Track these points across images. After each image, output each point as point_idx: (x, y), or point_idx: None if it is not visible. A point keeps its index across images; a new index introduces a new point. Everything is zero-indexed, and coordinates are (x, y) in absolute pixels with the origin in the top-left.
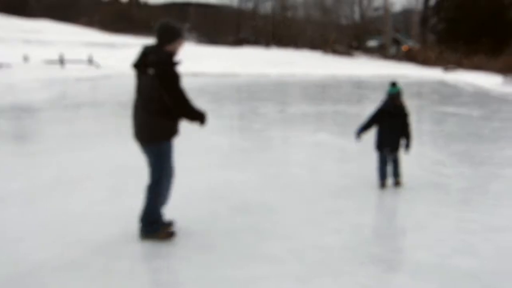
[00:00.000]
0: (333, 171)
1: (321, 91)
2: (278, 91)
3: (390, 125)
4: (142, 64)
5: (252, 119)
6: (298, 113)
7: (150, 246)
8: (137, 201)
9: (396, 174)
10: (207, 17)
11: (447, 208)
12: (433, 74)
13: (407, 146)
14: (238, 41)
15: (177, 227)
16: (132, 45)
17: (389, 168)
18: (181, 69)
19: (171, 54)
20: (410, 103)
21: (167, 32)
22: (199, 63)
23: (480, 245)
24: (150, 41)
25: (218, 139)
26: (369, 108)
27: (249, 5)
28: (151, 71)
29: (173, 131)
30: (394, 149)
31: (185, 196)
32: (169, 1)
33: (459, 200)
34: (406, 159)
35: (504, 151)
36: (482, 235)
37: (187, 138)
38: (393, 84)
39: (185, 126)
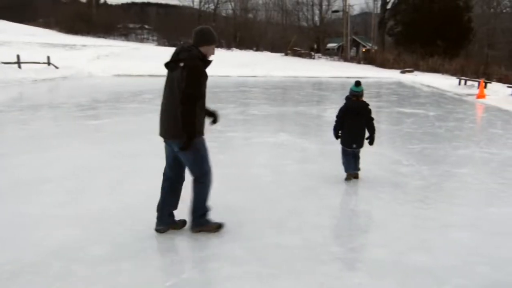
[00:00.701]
0: (294, 172)
1: (282, 92)
2: (240, 92)
3: (354, 122)
4: (175, 60)
5: None
6: (259, 114)
7: (110, 249)
8: (96, 203)
9: (357, 168)
10: (167, 18)
11: (404, 206)
12: (391, 75)
13: (371, 140)
14: None
15: (135, 230)
16: (92, 46)
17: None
18: (139, 70)
19: (204, 54)
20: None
21: (205, 35)
22: (159, 65)
23: (435, 242)
24: (110, 42)
25: None
26: (329, 109)
27: (211, 7)
28: (182, 63)
29: (203, 123)
30: (360, 145)
31: (144, 200)
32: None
33: (416, 198)
34: (366, 159)
35: (458, 150)
36: (437, 232)
37: (146, 140)
38: (357, 83)
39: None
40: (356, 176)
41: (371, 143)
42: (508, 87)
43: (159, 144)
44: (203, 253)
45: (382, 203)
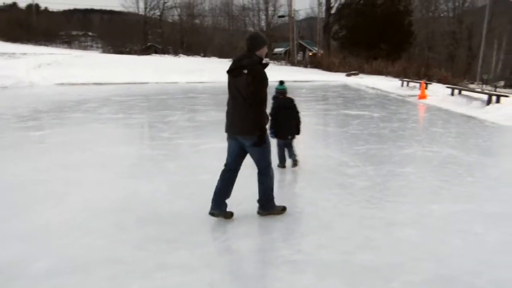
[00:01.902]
0: (242, 177)
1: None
2: (187, 98)
3: (286, 116)
4: (238, 67)
5: (161, 127)
6: (207, 120)
7: (54, 263)
8: (40, 216)
9: (293, 155)
10: (112, 25)
11: (351, 207)
12: (337, 78)
13: (298, 130)
14: (145, 49)
15: (81, 242)
16: (32, 54)
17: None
18: (83, 78)
19: (261, 58)
20: (317, 107)
21: (257, 41)
22: (104, 72)
23: (381, 240)
24: (52, 49)
25: (126, 149)
26: None
27: (156, 13)
28: (245, 70)
29: (267, 122)
30: (294, 135)
31: (89, 208)
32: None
33: (362, 198)
34: (314, 161)
35: (402, 149)
36: (383, 231)
37: (92, 149)
38: (281, 82)
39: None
40: (295, 162)
41: (298, 132)
42: (447, 87)
43: (104, 154)
44: (153, 262)
45: (329, 204)
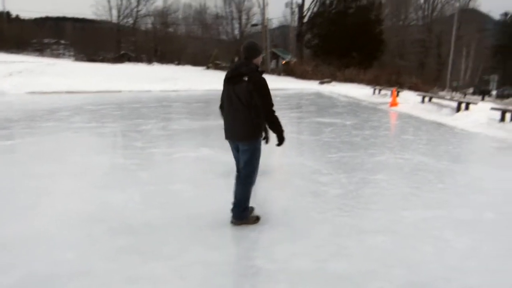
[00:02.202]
0: (216, 186)
1: (204, 106)
2: (161, 107)
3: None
4: (237, 75)
5: (134, 136)
6: (181, 129)
7: (20, 278)
8: (7, 228)
9: None
10: (85, 33)
11: (324, 214)
12: (310, 86)
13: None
14: (118, 58)
15: (51, 254)
16: (3, 62)
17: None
18: (55, 87)
19: (257, 66)
20: (291, 115)
21: (253, 50)
22: (76, 81)
23: (354, 248)
24: (23, 57)
25: (98, 158)
26: None
27: (130, 21)
28: (245, 78)
29: (262, 130)
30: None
31: (59, 219)
32: (43, 15)
33: (335, 206)
34: (287, 170)
35: (374, 157)
36: (355, 238)
37: (63, 158)
38: None
39: (58, 149)
40: None
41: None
42: (418, 95)
43: (76, 164)
44: (124, 275)
45: (302, 212)
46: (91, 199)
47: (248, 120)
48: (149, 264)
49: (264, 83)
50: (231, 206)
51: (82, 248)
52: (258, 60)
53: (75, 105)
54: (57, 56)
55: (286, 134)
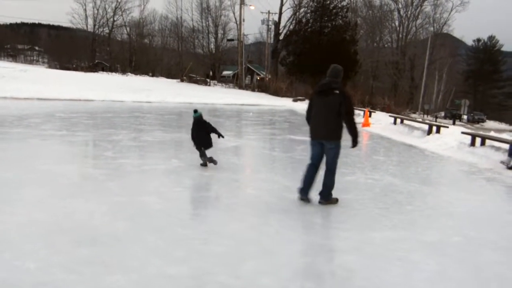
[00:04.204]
0: (184, 199)
1: (177, 118)
2: (133, 118)
3: (201, 133)
4: (328, 89)
5: (104, 146)
6: (152, 141)
7: None
8: None
9: (211, 160)
10: (60, 40)
11: (293, 232)
12: (284, 103)
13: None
14: (93, 67)
15: (11, 265)
16: None
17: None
18: (27, 93)
19: (343, 84)
20: (263, 131)
21: (339, 71)
22: (48, 87)
23: (322, 267)
24: None
25: (67, 167)
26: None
27: (105, 30)
28: (336, 91)
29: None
30: (207, 147)
31: (21, 228)
32: (18, 21)
33: (304, 224)
34: (258, 186)
35: (345, 176)
36: (324, 257)
37: (31, 166)
38: (195, 111)
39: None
40: (205, 164)
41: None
42: (390, 116)
43: (43, 172)
44: (86, 286)
45: (271, 229)
46: (56, 208)
47: (336, 124)
48: (112, 276)
49: (350, 96)
50: (197, 222)
51: (44, 258)
52: (340, 78)
53: (46, 112)
54: (31, 62)
55: (255, 150)
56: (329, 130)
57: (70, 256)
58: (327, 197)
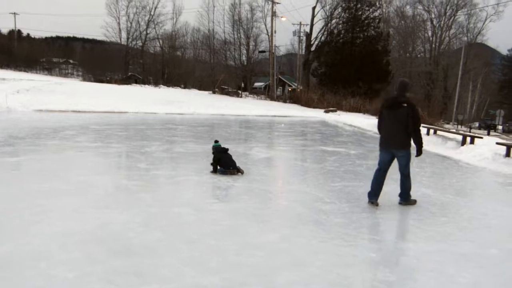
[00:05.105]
0: (217, 210)
1: (209, 130)
2: (166, 129)
3: (226, 156)
4: (397, 103)
5: (138, 158)
6: (185, 152)
7: None
8: (4, 246)
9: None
10: (93, 53)
11: (325, 244)
12: (316, 114)
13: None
14: (126, 79)
15: (47, 274)
16: (12, 80)
17: None
18: (62, 105)
19: (410, 97)
20: (295, 143)
21: (407, 85)
22: (83, 100)
23: (354, 279)
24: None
25: (101, 178)
26: (255, 147)
27: (138, 43)
28: (405, 105)
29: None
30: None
31: (59, 238)
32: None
33: (336, 235)
34: (290, 197)
35: None
36: (357, 269)
37: (66, 177)
38: (216, 141)
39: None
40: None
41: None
42: (423, 127)
43: (78, 183)
44: None
45: (304, 240)
46: (91, 219)
47: (406, 134)
48: (146, 286)
49: (417, 109)
50: (230, 233)
51: (80, 268)
52: (408, 92)
53: (80, 125)
54: (65, 75)
55: (286, 162)
56: (399, 140)
57: (105, 266)
58: (406, 199)
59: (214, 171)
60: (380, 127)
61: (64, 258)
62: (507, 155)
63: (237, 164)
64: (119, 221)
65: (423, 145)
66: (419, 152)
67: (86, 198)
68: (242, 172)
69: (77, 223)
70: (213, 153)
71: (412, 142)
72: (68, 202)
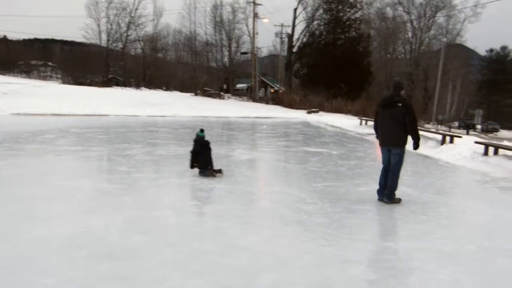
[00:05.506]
0: (200, 213)
1: (191, 132)
2: (147, 132)
3: (204, 152)
4: (392, 102)
5: (119, 161)
6: (167, 155)
7: None
8: None
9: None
10: (73, 55)
11: (308, 243)
12: (298, 115)
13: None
14: (106, 82)
15: (27, 280)
16: None
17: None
18: (41, 109)
19: (404, 96)
20: (277, 144)
21: (401, 85)
22: (63, 103)
23: (337, 278)
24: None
25: (82, 182)
26: (237, 148)
27: (119, 45)
28: (399, 104)
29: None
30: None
31: (39, 244)
32: (31, 37)
33: (318, 235)
34: (272, 198)
35: (359, 187)
36: (338, 268)
37: (46, 181)
38: (201, 130)
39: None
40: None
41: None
42: None
43: (59, 187)
44: None
45: (286, 241)
46: (72, 223)
47: (400, 132)
48: None
49: (412, 107)
50: (213, 235)
51: (61, 273)
52: (403, 92)
53: (60, 128)
54: (44, 78)
55: (269, 163)
56: (395, 138)
57: (88, 271)
58: (391, 197)
59: (191, 166)
60: (376, 126)
61: (44, 264)
62: (485, 153)
63: (218, 166)
64: (100, 225)
65: (420, 139)
66: (416, 145)
67: (67, 202)
68: (220, 172)
69: (58, 227)
70: (194, 140)
71: (412, 138)
72: (49, 207)
